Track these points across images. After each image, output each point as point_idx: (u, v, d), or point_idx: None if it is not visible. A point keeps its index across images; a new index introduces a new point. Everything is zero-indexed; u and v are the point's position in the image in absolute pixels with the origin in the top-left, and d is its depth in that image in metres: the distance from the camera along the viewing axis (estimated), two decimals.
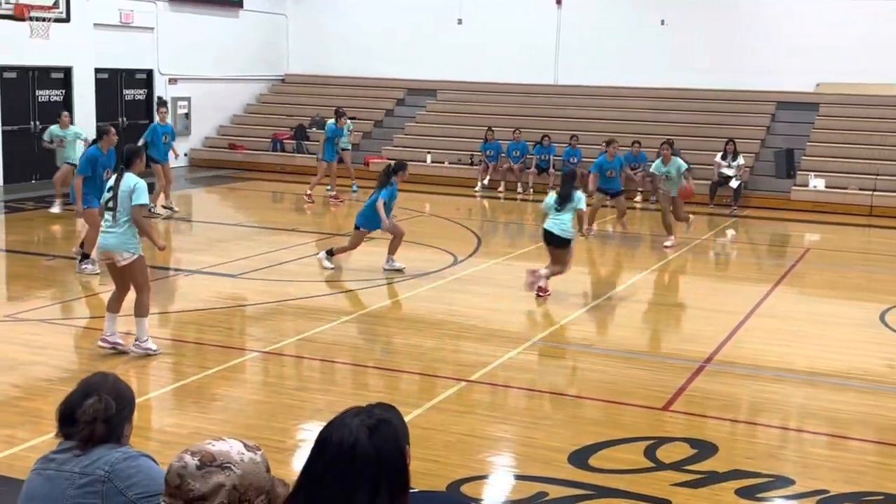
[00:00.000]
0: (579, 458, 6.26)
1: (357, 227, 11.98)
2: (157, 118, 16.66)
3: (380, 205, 11.51)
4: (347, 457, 2.18)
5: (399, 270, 11.80)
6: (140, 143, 13.64)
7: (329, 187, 18.43)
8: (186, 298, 10.61)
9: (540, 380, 8.22)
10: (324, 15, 25.56)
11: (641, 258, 14.73)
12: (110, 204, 8.00)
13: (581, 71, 23.24)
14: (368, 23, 24.91)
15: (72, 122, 16.10)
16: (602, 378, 8.17)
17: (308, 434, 6.82)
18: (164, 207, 15.90)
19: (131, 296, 8.24)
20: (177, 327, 9.51)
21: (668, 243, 14.39)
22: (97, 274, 10.99)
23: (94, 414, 3.00)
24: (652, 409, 7.37)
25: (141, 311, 8.14)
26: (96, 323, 9.75)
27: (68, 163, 14.79)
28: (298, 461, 6.17)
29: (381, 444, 2.21)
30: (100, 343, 8.23)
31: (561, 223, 10.74)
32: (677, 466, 6.21)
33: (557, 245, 10.83)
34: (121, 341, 8.21)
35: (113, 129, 11.47)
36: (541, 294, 10.63)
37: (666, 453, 6.41)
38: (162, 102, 17.72)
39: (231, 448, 2.40)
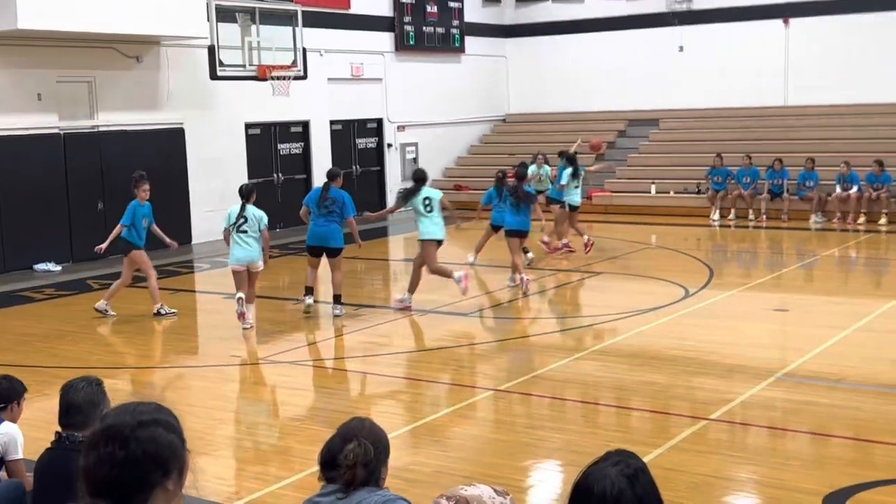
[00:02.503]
0: (836, 501, 5.87)
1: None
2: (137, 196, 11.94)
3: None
4: None
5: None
6: (117, 229, 11.87)
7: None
8: (420, 338, 10.90)
9: (786, 418, 7.80)
10: (542, 54, 25.82)
11: (890, 285, 13.78)
12: (244, 227, 11.09)
13: (813, 90, 22.12)
14: (586, 58, 24.91)
15: (306, 172, 16.76)
16: (854, 415, 7.65)
17: (548, 474, 6.81)
18: (160, 313, 11.92)
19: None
20: (412, 366, 9.77)
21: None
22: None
23: (355, 458, 3.11)
24: None
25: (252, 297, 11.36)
26: (343, 364, 10.22)
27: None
28: (540, 500, 6.18)
29: (643, 493, 2.19)
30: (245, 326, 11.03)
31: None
32: None
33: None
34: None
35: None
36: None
37: None
38: (140, 177, 12.07)
39: (482, 493, 2.42)
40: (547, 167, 18.78)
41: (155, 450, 2.11)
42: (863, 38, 21.67)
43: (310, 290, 11.89)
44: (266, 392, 9.21)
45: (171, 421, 2.20)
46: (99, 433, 2.13)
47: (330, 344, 10.91)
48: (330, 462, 3.17)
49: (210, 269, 15.87)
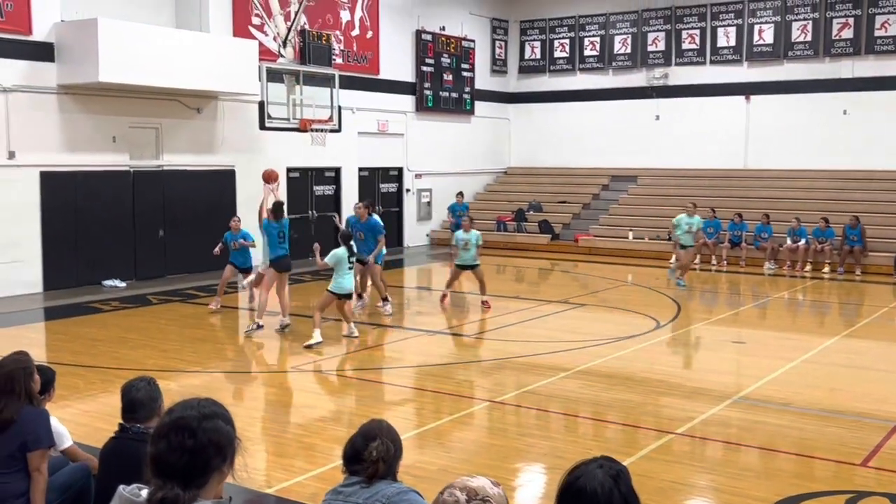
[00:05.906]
0: None
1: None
2: None
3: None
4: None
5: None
6: None
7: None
8: (429, 354, 10.86)
9: (740, 434, 7.74)
10: (540, 117, 25.96)
11: (831, 324, 13.72)
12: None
13: (770, 156, 22.26)
14: (577, 122, 25.05)
15: (337, 211, 16.90)
16: (799, 434, 7.59)
17: (535, 475, 6.76)
18: None
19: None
20: (419, 379, 9.71)
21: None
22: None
23: (379, 455, 3.10)
24: (850, 464, 6.76)
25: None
26: (361, 374, 10.19)
27: None
28: (528, 497, 6.12)
29: (626, 490, 2.17)
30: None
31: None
32: None
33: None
34: None
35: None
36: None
37: None
38: None
39: (484, 484, 2.42)
40: (697, 217, 16.42)
41: (217, 439, 2.13)
42: (810, 114, 21.78)
43: (360, 295, 13.41)
44: (295, 396, 9.18)
45: (227, 414, 2.22)
46: (168, 425, 2.14)
47: (352, 357, 10.89)
48: (353, 457, 3.15)
49: None
